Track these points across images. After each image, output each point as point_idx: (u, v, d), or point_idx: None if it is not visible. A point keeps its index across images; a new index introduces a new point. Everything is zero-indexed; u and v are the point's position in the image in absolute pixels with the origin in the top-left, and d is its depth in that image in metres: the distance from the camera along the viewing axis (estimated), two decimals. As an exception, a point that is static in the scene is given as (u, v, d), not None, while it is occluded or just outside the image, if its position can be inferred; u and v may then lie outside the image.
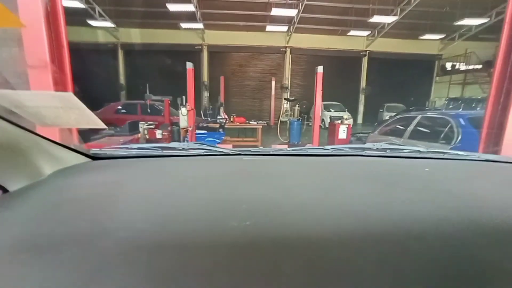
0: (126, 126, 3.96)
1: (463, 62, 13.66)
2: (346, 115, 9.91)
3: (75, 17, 10.89)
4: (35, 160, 0.66)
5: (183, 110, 4.76)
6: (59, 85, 1.69)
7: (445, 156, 1.08)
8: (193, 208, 0.53)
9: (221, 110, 7.69)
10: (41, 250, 0.38)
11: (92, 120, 0.73)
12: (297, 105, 6.85)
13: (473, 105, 5.52)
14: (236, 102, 14.40)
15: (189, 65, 4.74)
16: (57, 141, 0.76)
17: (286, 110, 14.06)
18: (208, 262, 0.37)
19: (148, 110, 6.41)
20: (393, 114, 12.25)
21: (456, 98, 5.99)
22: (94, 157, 0.89)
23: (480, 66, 12.93)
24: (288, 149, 1.12)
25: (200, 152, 1.03)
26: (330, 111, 11.41)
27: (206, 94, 14.27)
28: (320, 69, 5.09)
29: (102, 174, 0.76)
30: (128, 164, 0.89)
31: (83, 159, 0.86)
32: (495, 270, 0.37)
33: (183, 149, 1.07)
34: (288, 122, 6.93)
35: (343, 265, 0.37)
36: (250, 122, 6.38)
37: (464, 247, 0.41)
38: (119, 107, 7.45)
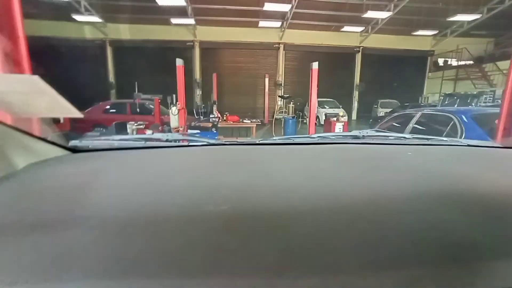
0: (113, 127, 3.73)
1: (455, 58, 13.76)
2: (341, 112, 9.83)
3: (58, 11, 10.45)
4: (7, 153, 0.63)
5: (174, 109, 4.55)
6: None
7: (429, 141, 1.10)
8: (169, 195, 0.53)
9: (214, 108, 7.49)
10: (5, 236, 0.39)
11: (65, 108, 0.68)
12: (291, 103, 6.70)
13: (468, 100, 5.48)
14: (229, 99, 14.16)
15: (179, 62, 4.53)
16: (33, 133, 0.73)
17: (280, 107, 13.94)
18: (179, 245, 0.37)
19: (138, 109, 6.15)
20: (388, 110, 12.37)
21: (451, 94, 5.94)
22: (74, 150, 0.86)
23: (471, 62, 13.06)
24: (274, 138, 1.10)
25: (185, 143, 1.02)
26: (325, 107, 11.32)
27: (198, 91, 13.99)
28: (315, 65, 4.95)
29: (79, 166, 0.73)
30: (109, 156, 0.87)
31: (62, 151, 0.82)
32: (463, 240, 0.38)
33: (167, 140, 1.06)
34: (282, 119, 6.77)
35: (316, 245, 0.37)
36: (244, 121, 6.20)
37: (437, 221, 0.43)
38: (108, 107, 7.14)
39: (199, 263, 0.34)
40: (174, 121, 4.63)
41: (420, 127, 3.02)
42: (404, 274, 0.33)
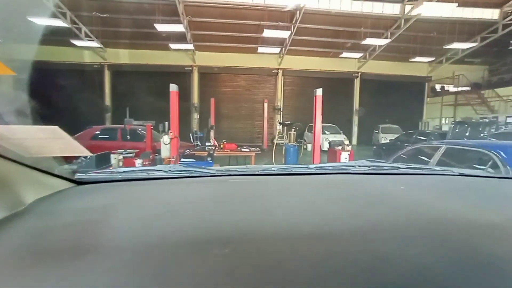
0: (93, 159, 3.25)
1: (452, 84, 13.88)
2: (342, 137, 9.49)
3: (59, 37, 10.46)
4: (14, 189, 0.64)
5: (165, 138, 4.12)
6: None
7: (423, 171, 1.15)
8: (175, 235, 0.54)
9: (211, 134, 7.11)
10: (17, 272, 0.41)
11: (77, 149, 0.76)
12: (293, 130, 6.33)
13: (480, 128, 5.18)
14: (227, 124, 13.92)
15: (173, 87, 4.20)
16: (38, 167, 0.73)
17: (279, 132, 13.65)
18: (183, 283, 0.38)
19: (128, 136, 5.73)
20: (389, 135, 12.12)
21: (461, 121, 5.66)
22: (79, 182, 0.88)
23: (468, 88, 13.14)
24: (273, 168, 1.15)
25: (187, 174, 1.04)
26: (325, 133, 10.99)
27: (196, 116, 13.76)
28: (319, 92, 4.65)
29: (86, 199, 0.76)
30: (113, 188, 0.89)
31: (68, 184, 0.84)
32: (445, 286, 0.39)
33: (169, 171, 1.08)
34: (284, 147, 6.35)
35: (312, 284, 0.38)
36: (242, 149, 5.75)
37: (426, 269, 0.43)
38: (97, 133, 6.71)
39: None
40: (165, 150, 4.19)
41: (448, 162, 2.59)
42: None
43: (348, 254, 0.47)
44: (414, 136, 7.00)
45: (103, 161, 3.58)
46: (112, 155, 4.13)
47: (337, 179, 1.03)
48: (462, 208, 0.71)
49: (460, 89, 13.13)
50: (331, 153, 5.87)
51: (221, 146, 5.77)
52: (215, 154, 5.16)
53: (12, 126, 0.73)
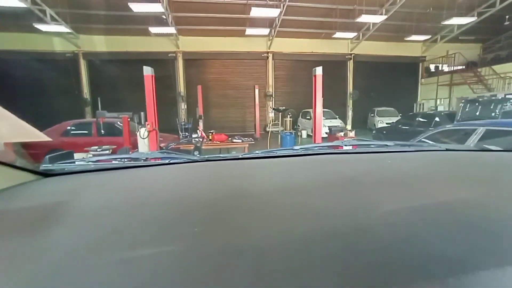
0: (48, 159, 2.63)
1: (446, 64, 13.50)
2: (338, 122, 9.02)
3: (20, 21, 9.31)
4: None
5: (142, 131, 3.47)
6: None
7: (410, 148, 1.13)
8: (144, 216, 0.53)
9: (200, 124, 6.46)
10: None
11: (29, 132, 0.67)
12: (289, 116, 5.75)
13: (491, 106, 4.75)
14: (217, 113, 13.19)
15: (147, 71, 3.50)
16: None
17: (272, 120, 13.06)
18: (148, 272, 0.36)
19: (102, 131, 5.02)
20: (385, 119, 11.76)
21: (472, 99, 5.22)
22: (46, 174, 0.82)
23: (463, 67, 12.80)
24: (256, 152, 1.08)
25: (165, 161, 0.98)
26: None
27: (183, 106, 12.95)
28: (319, 70, 4.06)
29: (51, 190, 0.72)
30: (84, 179, 0.82)
31: (32, 176, 0.79)
32: (437, 257, 0.37)
33: (147, 159, 1.04)
34: (279, 136, 5.78)
35: (286, 267, 0.37)
36: (234, 140, 5.14)
37: (411, 236, 0.42)
38: (69, 128, 5.93)
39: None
40: (143, 145, 3.55)
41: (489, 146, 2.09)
42: None
43: (327, 229, 0.46)
44: (417, 119, 6.57)
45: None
46: (78, 153, 3.45)
47: (323, 159, 1.01)
48: (448, 181, 0.71)
49: (455, 68, 12.76)
50: (332, 139, 5.35)
51: (210, 137, 5.15)
52: (203, 147, 4.55)
53: None
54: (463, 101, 5.48)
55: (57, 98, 10.78)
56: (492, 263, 0.36)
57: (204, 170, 0.89)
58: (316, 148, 1.12)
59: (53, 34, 10.59)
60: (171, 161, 0.96)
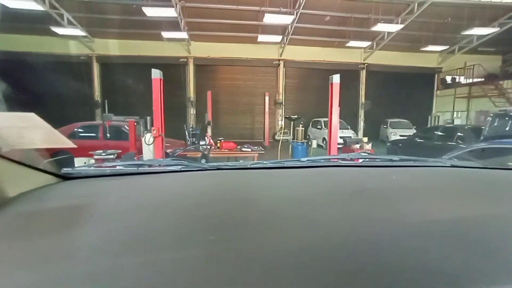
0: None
1: (464, 75, 13.02)
2: (350, 132, 8.69)
3: (38, 24, 9.51)
4: None
5: (147, 137, 3.29)
6: None
7: (415, 163, 1.13)
8: (160, 224, 0.54)
9: (208, 131, 6.28)
10: (3, 272, 0.39)
11: (59, 139, 0.72)
12: (301, 125, 5.50)
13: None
14: (225, 119, 13.05)
15: (155, 74, 3.34)
16: (21, 161, 0.71)
17: (281, 128, 12.80)
18: (169, 275, 0.38)
19: (108, 134, 4.90)
20: (398, 130, 11.33)
21: (504, 113, 4.79)
22: (66, 177, 0.86)
23: (482, 79, 12.30)
24: (264, 162, 1.12)
25: (177, 168, 1.02)
26: (332, 128, 10.19)
27: (192, 111, 12.89)
28: (336, 78, 3.82)
29: (72, 193, 0.75)
30: (101, 183, 0.87)
31: (54, 179, 0.82)
32: (440, 270, 0.38)
33: (160, 165, 1.08)
34: (290, 146, 5.52)
35: (296, 275, 0.38)
36: (243, 149, 4.90)
37: (415, 250, 0.43)
38: (76, 130, 5.85)
39: None
40: (147, 152, 3.36)
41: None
42: None
43: (333, 239, 0.47)
44: (436, 132, 6.19)
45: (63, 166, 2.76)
46: (81, 158, 3.29)
47: (329, 172, 1.04)
48: (452, 198, 0.71)
49: (474, 80, 12.27)
50: (347, 152, 5.05)
51: (218, 145, 4.94)
52: (210, 155, 4.33)
53: None
54: (491, 114, 5.10)
55: (70, 100, 10.90)
56: (488, 282, 0.36)
57: (215, 178, 0.91)
58: (322, 161, 1.16)
59: (69, 37, 10.78)
60: (183, 169, 0.99)
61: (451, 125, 8.07)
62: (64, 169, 0.88)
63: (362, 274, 0.38)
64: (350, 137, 6.35)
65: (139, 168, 1.00)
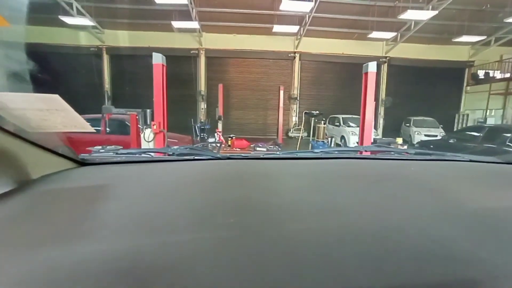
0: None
1: (500, 69, 11.80)
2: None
3: (47, 14, 9.24)
4: (20, 164, 0.64)
5: (147, 133, 2.78)
6: None
7: (432, 157, 1.13)
8: (177, 208, 0.55)
9: (219, 126, 5.77)
10: (19, 250, 0.39)
11: (79, 124, 0.73)
12: (322, 122, 4.87)
13: None
14: (237, 114, 12.52)
15: (157, 58, 2.81)
16: (42, 144, 0.72)
17: (295, 124, 12.12)
18: (188, 256, 0.38)
19: (108, 128, 4.47)
20: (423, 129, 10.43)
21: None
22: (83, 163, 0.88)
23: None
24: (278, 153, 1.12)
25: (190, 156, 1.04)
26: (351, 126, 9.45)
27: (203, 105, 12.44)
28: (371, 66, 3.16)
29: (92, 178, 0.76)
30: (117, 170, 0.88)
31: (72, 164, 0.84)
32: (466, 256, 0.38)
33: (173, 154, 1.09)
34: (310, 145, 4.90)
35: (322, 261, 0.38)
36: (257, 148, 4.29)
37: (439, 237, 0.43)
38: (78, 123, 5.49)
39: (207, 275, 0.35)
40: (147, 151, 2.85)
41: None
42: None
43: (356, 226, 0.46)
44: (477, 133, 5.37)
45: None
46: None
47: (345, 163, 1.03)
48: (473, 190, 0.70)
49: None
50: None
51: (229, 142, 4.40)
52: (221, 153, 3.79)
53: (12, 94, 0.64)
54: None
55: (79, 92, 10.71)
56: None
57: (228, 167, 0.91)
58: (336, 152, 1.15)
59: (79, 28, 10.51)
60: (196, 157, 1.01)
61: (498, 125, 7.14)
62: (82, 154, 0.90)
63: (391, 259, 0.38)
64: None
65: (154, 156, 1.01)
